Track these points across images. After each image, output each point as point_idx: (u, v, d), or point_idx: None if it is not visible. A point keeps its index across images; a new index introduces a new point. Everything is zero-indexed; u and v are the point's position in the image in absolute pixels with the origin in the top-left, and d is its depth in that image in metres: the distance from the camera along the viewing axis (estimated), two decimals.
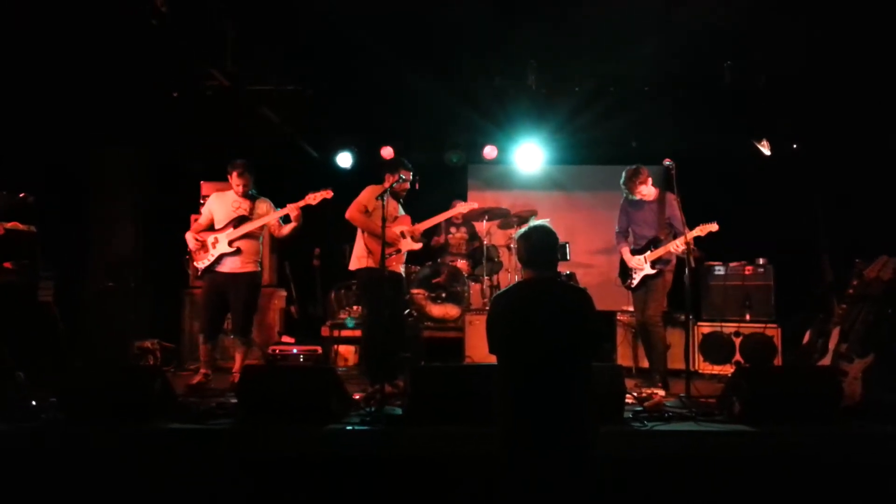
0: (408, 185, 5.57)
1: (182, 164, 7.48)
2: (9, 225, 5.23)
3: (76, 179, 7.04)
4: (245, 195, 5.63)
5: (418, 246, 5.59)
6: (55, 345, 5.60)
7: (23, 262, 5.38)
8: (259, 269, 5.71)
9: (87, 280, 7.14)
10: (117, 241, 7.28)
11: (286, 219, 5.58)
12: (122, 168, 7.35)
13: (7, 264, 5.30)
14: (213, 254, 5.51)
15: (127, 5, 4.84)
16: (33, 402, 4.57)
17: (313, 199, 5.51)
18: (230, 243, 5.50)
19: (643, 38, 6.00)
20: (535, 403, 3.02)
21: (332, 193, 5.52)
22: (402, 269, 5.62)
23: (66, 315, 5.84)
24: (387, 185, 5.31)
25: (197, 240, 5.53)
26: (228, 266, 5.52)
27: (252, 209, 5.63)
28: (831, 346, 4.91)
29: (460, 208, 6.00)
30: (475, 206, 6.17)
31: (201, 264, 5.54)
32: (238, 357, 5.63)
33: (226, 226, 5.55)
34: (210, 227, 5.63)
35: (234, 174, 5.57)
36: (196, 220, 5.78)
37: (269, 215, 5.61)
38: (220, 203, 5.66)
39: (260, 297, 5.88)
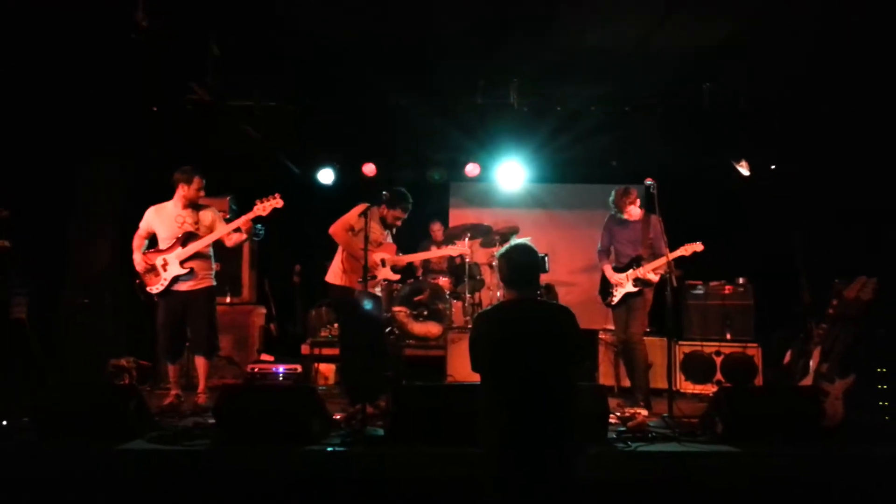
0: (400, 223, 5.52)
1: (161, 178, 7.38)
2: None
3: (53, 193, 6.91)
4: (194, 203, 5.40)
5: (395, 277, 5.58)
6: (29, 362, 5.47)
7: None
8: (214, 282, 5.51)
9: (62, 296, 7.00)
10: (94, 256, 7.15)
11: (237, 229, 5.38)
12: (101, 182, 7.23)
13: None
14: (166, 277, 5.29)
15: (108, 20, 4.78)
16: (4, 422, 4.47)
17: (262, 209, 5.29)
18: (181, 264, 5.29)
19: (624, 59, 6.07)
20: (520, 423, 2.99)
21: (283, 202, 5.33)
22: (378, 290, 5.58)
23: (40, 332, 5.71)
24: (382, 212, 5.34)
25: (145, 263, 5.31)
26: (184, 286, 5.32)
27: (197, 221, 5.41)
28: (812, 366, 4.95)
29: (449, 251, 6.08)
30: (467, 251, 6.16)
31: (156, 289, 5.31)
32: (202, 376, 5.50)
33: (173, 245, 5.32)
34: (152, 243, 5.41)
35: (196, 179, 5.34)
36: (137, 235, 5.44)
37: (217, 229, 5.40)
38: (160, 218, 5.39)
39: (216, 308, 5.62)
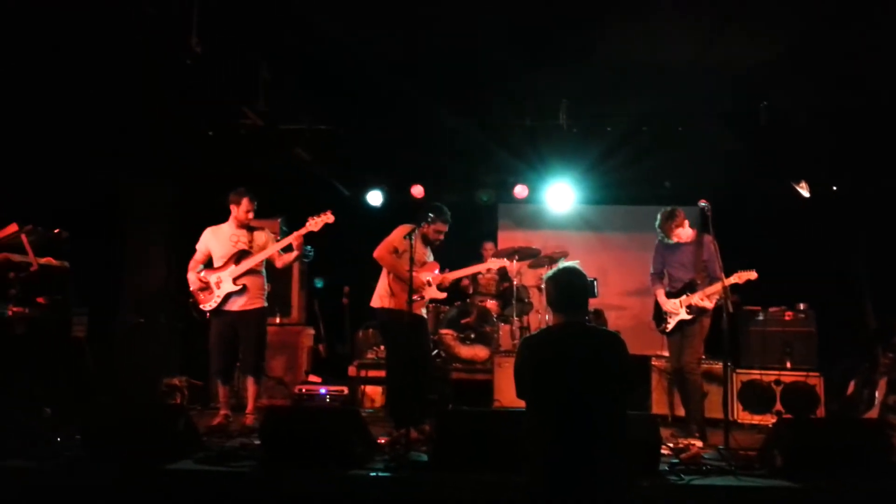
0: (442, 237, 5.47)
1: (214, 200, 7.55)
2: (42, 261, 5.27)
3: (109, 215, 7.12)
4: (247, 224, 5.53)
5: (443, 295, 5.51)
6: (84, 381, 5.59)
7: (56, 298, 5.39)
8: (266, 303, 5.58)
9: (117, 315, 7.17)
10: (149, 277, 7.32)
11: (288, 248, 5.45)
12: (155, 204, 7.43)
13: (40, 299, 5.32)
14: (219, 294, 5.38)
15: (162, 45, 4.92)
16: (58, 439, 4.56)
17: (314, 224, 5.37)
18: (234, 281, 5.37)
19: (678, 78, 5.95)
20: (564, 449, 2.91)
21: (333, 217, 5.39)
22: (424, 312, 5.52)
23: (96, 351, 5.84)
24: (424, 229, 5.28)
25: (200, 282, 5.42)
26: (236, 304, 5.40)
27: (251, 241, 5.51)
28: (879, 397, 4.71)
29: (490, 264, 5.95)
30: (505, 263, 6.05)
31: (208, 306, 5.40)
32: (251, 397, 5.53)
33: (226, 263, 5.42)
34: (208, 264, 5.52)
35: (245, 200, 5.46)
36: (194, 258, 5.58)
37: (269, 247, 5.49)
38: (216, 238, 5.51)
39: (267, 331, 5.70)
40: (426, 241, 5.43)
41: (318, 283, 7.39)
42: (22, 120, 5.72)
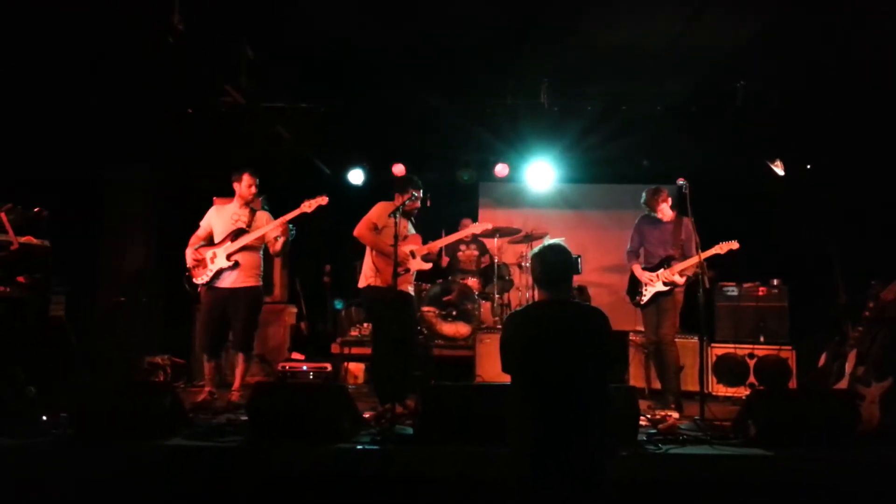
0: (419, 204, 5.51)
1: (195, 179, 7.51)
2: (23, 239, 5.22)
3: (89, 194, 7.07)
4: (250, 203, 5.59)
5: (427, 266, 5.50)
6: (67, 360, 5.58)
7: (36, 277, 5.36)
8: (260, 283, 5.61)
9: (98, 295, 7.14)
10: (129, 256, 7.30)
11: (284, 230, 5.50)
12: (136, 183, 7.37)
13: (20, 279, 5.29)
14: (212, 269, 5.42)
15: (143, 23, 4.86)
16: (44, 418, 4.57)
17: (308, 206, 5.42)
18: (228, 257, 5.41)
19: (655, 58, 6.01)
20: (549, 423, 2.98)
21: (328, 199, 5.45)
22: (411, 289, 5.56)
23: (77, 330, 5.82)
24: (398, 202, 5.29)
25: (195, 257, 5.47)
26: (228, 281, 5.44)
27: (251, 221, 5.57)
28: (848, 369, 4.86)
29: (473, 228, 5.93)
30: (489, 226, 6.08)
31: (200, 280, 5.45)
32: (238, 374, 5.58)
33: (223, 239, 5.47)
34: (210, 241, 5.57)
35: (246, 176, 5.52)
36: (196, 234, 5.66)
37: (263, 227, 5.53)
38: (219, 216, 5.59)
39: (261, 312, 5.73)
40: (405, 213, 5.44)
41: (338, 305, 7.48)
42: None
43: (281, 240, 5.49)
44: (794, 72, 6.17)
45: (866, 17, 5.17)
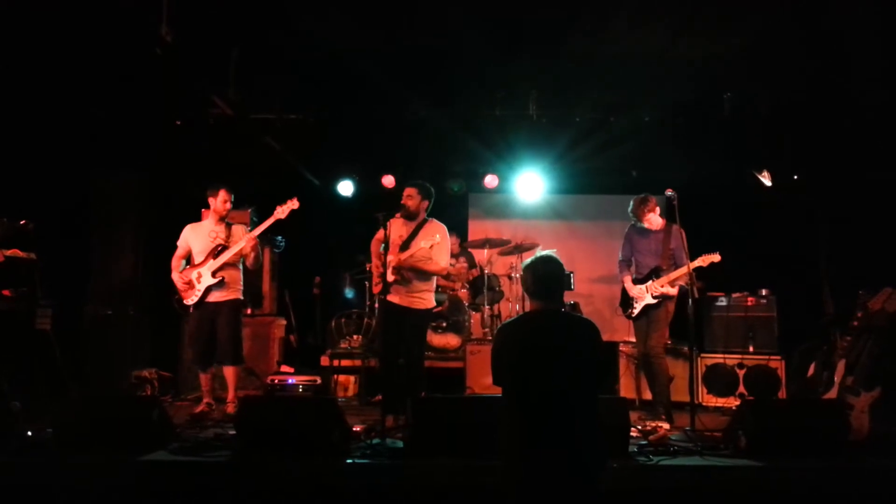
0: (412, 200, 5.38)
1: (183, 191, 7.47)
2: (9, 252, 5.20)
3: (77, 206, 7.01)
4: (225, 219, 5.62)
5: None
6: (53, 373, 5.53)
7: (22, 290, 5.36)
8: (241, 296, 5.70)
9: (85, 307, 7.07)
10: (117, 268, 7.22)
11: (275, 242, 5.53)
12: (124, 195, 7.30)
13: (6, 291, 5.27)
14: (200, 289, 5.49)
15: (132, 34, 4.85)
16: (29, 433, 4.51)
17: (282, 211, 5.50)
18: (213, 274, 5.48)
19: (643, 68, 6.05)
20: (540, 435, 2.97)
21: (299, 203, 5.50)
22: (414, 300, 5.30)
23: (64, 343, 5.77)
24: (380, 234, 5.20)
25: (183, 280, 5.50)
26: (215, 296, 5.52)
27: (229, 237, 5.60)
28: (837, 378, 4.87)
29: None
30: (435, 241, 5.33)
31: (190, 301, 5.51)
32: (231, 386, 5.59)
33: (206, 258, 5.52)
34: (188, 261, 5.62)
35: (222, 192, 5.54)
36: (176, 255, 5.65)
37: (242, 239, 5.53)
38: (196, 235, 5.62)
39: (241, 321, 5.81)
40: (405, 213, 5.39)
41: (349, 294, 7.69)
42: None
43: (251, 255, 5.55)
44: (781, 83, 6.23)
45: (848, 30, 5.23)
